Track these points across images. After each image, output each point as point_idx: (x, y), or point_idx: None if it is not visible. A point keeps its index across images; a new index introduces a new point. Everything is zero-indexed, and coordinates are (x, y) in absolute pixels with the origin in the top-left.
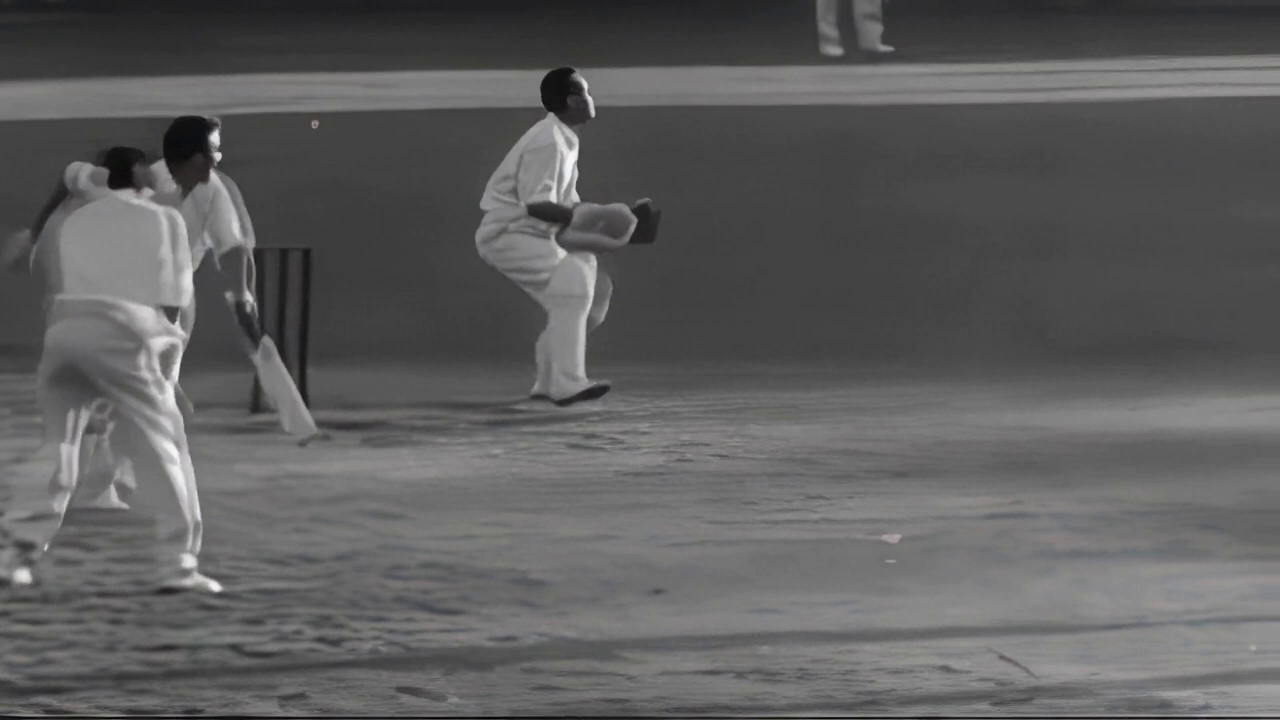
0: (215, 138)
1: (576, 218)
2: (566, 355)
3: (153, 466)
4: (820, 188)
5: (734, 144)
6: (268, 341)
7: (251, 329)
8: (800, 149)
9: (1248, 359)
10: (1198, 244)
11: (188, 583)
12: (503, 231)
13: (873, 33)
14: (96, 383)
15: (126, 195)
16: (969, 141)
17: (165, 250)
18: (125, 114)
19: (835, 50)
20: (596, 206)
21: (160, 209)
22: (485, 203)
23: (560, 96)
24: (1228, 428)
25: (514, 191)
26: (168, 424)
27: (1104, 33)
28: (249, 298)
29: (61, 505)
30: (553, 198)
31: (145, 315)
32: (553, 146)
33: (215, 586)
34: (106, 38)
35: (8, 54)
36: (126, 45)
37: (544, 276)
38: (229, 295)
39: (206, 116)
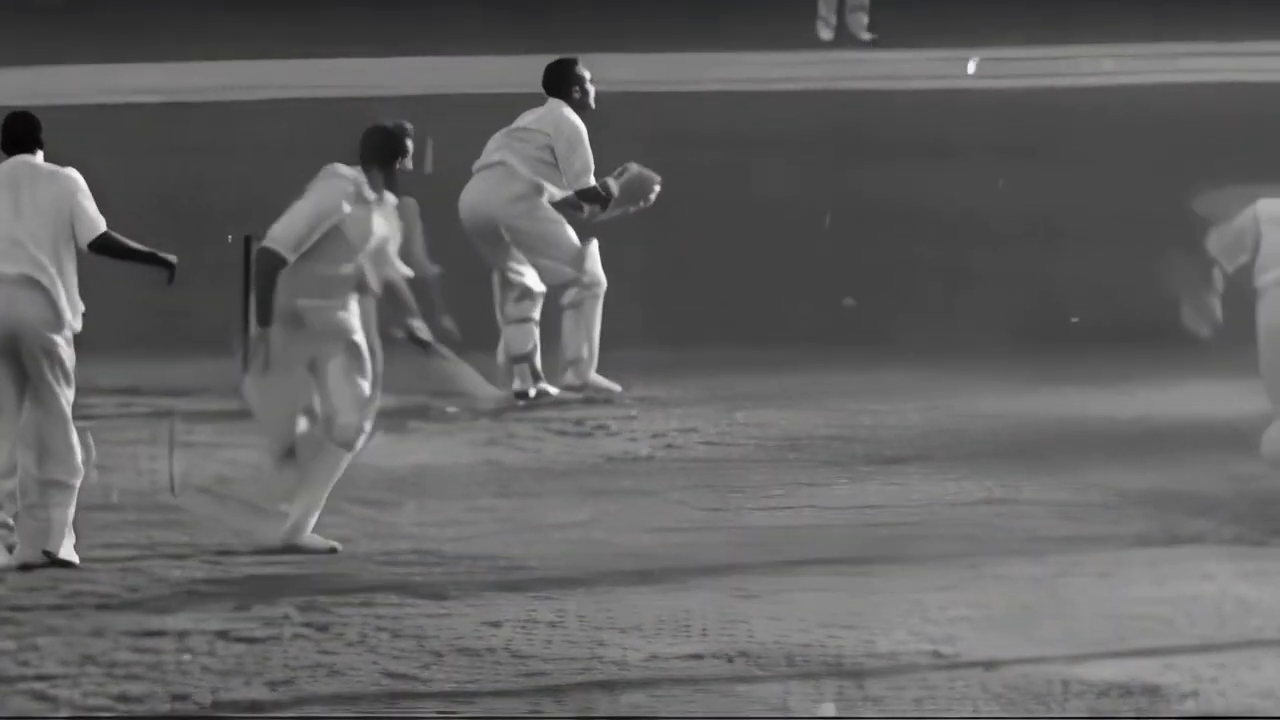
0: (410, 144)
1: (619, 195)
2: (594, 342)
3: (65, 435)
4: (809, 174)
5: (724, 130)
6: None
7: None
8: (790, 135)
9: (1238, 346)
10: (1188, 231)
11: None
12: (537, 204)
13: (858, 21)
14: (29, 358)
15: (36, 159)
16: (959, 127)
17: (83, 196)
18: (79, 100)
19: (828, 34)
20: (626, 177)
21: (69, 169)
22: (503, 156)
23: (568, 85)
24: (1217, 414)
25: (551, 167)
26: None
27: (1092, 19)
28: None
29: (14, 485)
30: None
31: (73, 288)
32: (583, 130)
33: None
34: (63, 25)
35: None
36: (94, 31)
37: (569, 262)
38: (412, 321)
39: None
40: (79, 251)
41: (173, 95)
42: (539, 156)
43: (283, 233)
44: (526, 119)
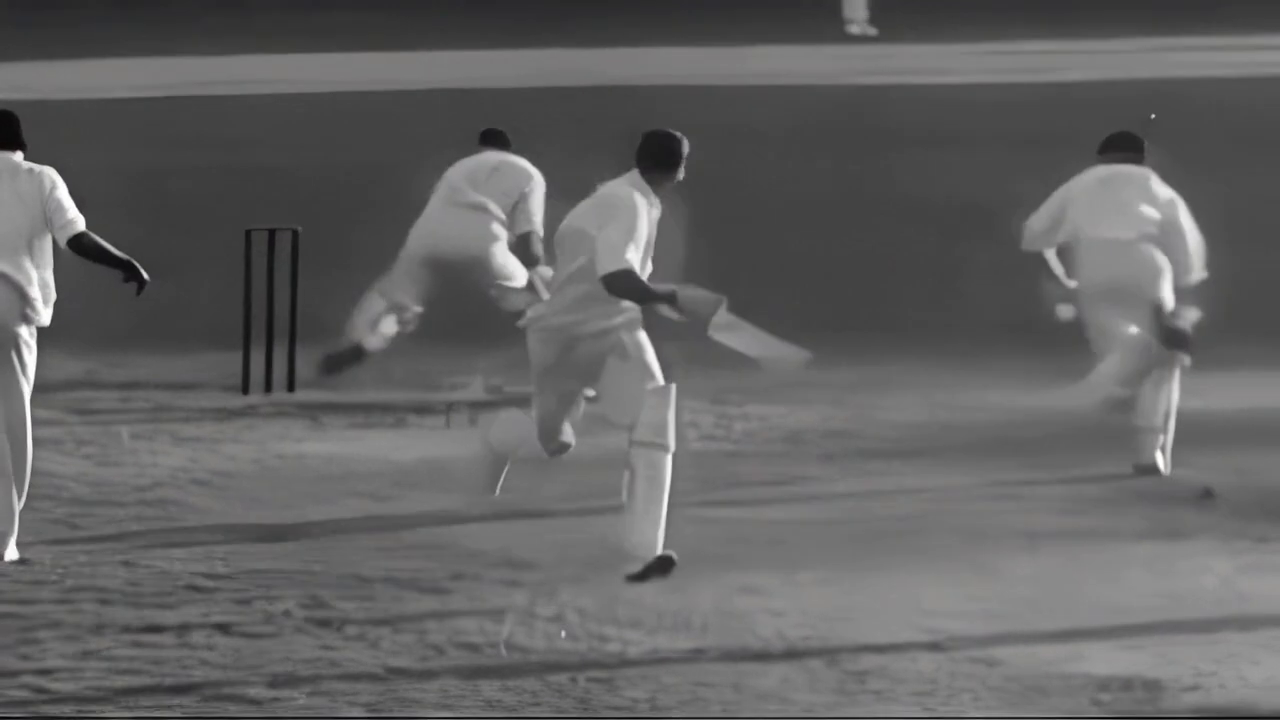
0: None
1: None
2: None
3: (24, 427)
4: (808, 166)
5: (724, 123)
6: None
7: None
8: (791, 128)
9: (1239, 340)
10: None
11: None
12: (503, 242)
13: (860, 17)
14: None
15: (16, 156)
16: (962, 120)
17: (60, 193)
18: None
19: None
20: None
21: (47, 168)
22: (484, 198)
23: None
24: (1215, 407)
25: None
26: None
27: (1102, 12)
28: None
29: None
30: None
31: (48, 284)
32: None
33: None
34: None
35: None
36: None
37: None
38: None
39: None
40: (58, 249)
41: (171, 90)
42: (505, 199)
43: (626, 252)
44: (495, 159)
